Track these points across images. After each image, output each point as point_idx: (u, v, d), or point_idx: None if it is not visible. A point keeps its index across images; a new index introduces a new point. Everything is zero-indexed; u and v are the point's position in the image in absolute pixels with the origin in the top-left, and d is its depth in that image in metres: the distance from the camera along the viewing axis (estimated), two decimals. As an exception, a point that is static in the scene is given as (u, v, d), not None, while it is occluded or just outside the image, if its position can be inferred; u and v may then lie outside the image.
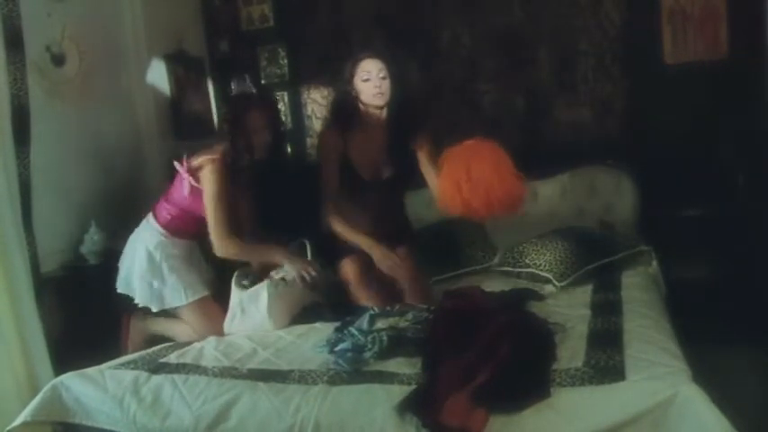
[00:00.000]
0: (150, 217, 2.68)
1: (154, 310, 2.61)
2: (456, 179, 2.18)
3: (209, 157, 2.51)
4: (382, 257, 2.51)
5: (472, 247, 3.05)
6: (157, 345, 2.44)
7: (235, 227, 2.52)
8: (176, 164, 2.61)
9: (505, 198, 2.19)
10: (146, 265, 2.59)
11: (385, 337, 2.00)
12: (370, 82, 2.50)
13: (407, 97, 2.60)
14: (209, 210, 2.47)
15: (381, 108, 2.56)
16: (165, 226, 2.63)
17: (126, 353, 2.60)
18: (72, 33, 3.12)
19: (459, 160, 2.22)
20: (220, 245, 2.47)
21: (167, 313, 2.65)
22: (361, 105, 2.57)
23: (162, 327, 2.71)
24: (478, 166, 2.17)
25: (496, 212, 2.24)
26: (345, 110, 2.59)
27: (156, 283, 2.59)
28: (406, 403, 1.68)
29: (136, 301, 2.64)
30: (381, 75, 2.50)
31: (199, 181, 2.52)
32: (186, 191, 2.55)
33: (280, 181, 2.74)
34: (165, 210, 2.64)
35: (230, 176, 2.50)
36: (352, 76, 2.54)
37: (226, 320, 2.49)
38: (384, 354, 1.97)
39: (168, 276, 2.59)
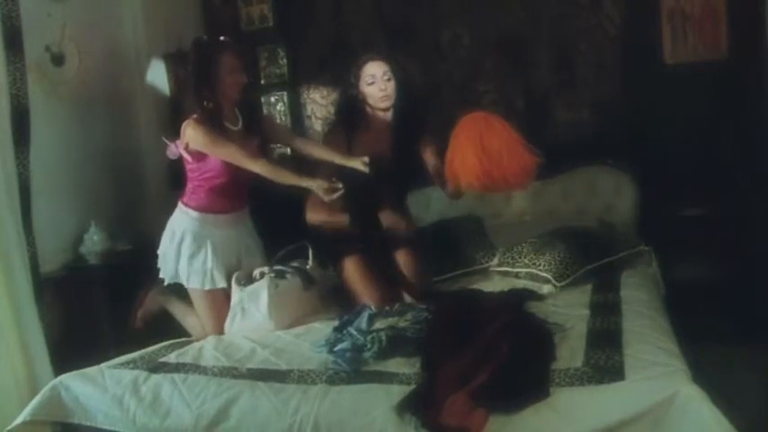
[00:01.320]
0: (180, 204, 2.62)
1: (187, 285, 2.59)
2: (475, 149, 2.16)
3: (185, 122, 2.48)
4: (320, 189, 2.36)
5: (471, 247, 3.05)
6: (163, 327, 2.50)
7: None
8: (171, 149, 2.59)
9: (519, 170, 2.18)
10: (177, 245, 2.56)
11: (384, 337, 2.00)
12: (375, 85, 2.50)
13: (412, 97, 2.58)
14: (224, 156, 2.43)
15: (388, 109, 2.55)
16: (196, 207, 2.57)
17: (133, 323, 2.66)
18: (72, 33, 3.12)
19: (471, 133, 2.19)
20: (255, 168, 2.41)
21: (187, 301, 2.65)
22: (368, 108, 2.56)
23: (177, 310, 2.70)
24: (490, 138, 2.16)
25: (511, 185, 2.23)
26: (352, 112, 2.58)
27: (182, 262, 2.55)
28: (405, 403, 1.68)
29: (165, 280, 2.61)
30: (386, 77, 2.50)
31: (189, 147, 2.49)
32: (191, 159, 2.52)
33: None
34: (191, 191, 2.58)
35: (215, 127, 2.45)
36: (357, 79, 2.53)
37: (226, 322, 2.49)
38: (383, 354, 1.97)
39: (194, 258, 2.55)
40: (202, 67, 2.46)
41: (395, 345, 2.00)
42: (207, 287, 2.55)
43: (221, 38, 2.61)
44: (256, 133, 2.63)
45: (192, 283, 2.56)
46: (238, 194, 2.63)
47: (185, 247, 2.55)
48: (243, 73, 2.52)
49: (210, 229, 2.57)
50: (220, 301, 2.56)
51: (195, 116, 2.47)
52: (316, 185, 2.35)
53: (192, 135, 2.44)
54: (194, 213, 2.57)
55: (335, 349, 2.02)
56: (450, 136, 2.25)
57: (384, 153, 2.60)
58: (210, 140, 2.42)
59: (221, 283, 2.56)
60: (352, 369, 1.90)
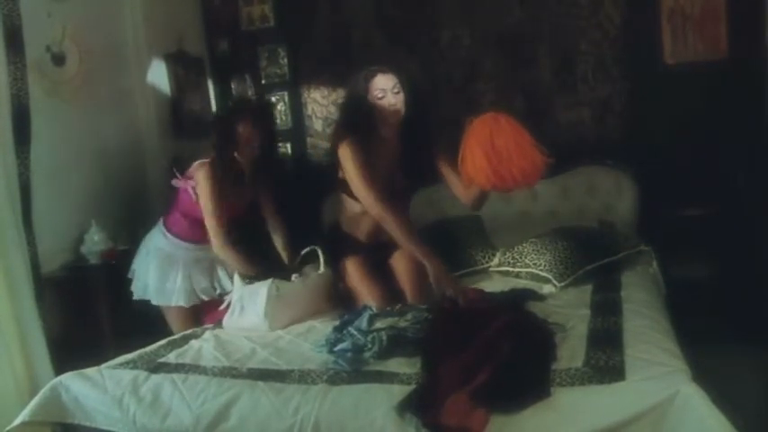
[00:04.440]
0: (161, 226, 2.86)
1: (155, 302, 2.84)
2: (484, 149, 2.17)
3: (199, 162, 2.68)
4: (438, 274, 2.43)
5: (472, 247, 3.05)
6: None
7: (237, 227, 2.72)
8: (177, 179, 2.78)
9: (528, 169, 2.18)
10: (149, 263, 2.83)
11: (384, 337, 2.00)
12: (385, 99, 2.46)
13: (421, 108, 2.53)
14: (205, 213, 2.65)
15: (398, 121, 2.51)
16: (177, 233, 2.82)
17: None
18: (72, 33, 3.12)
19: (481, 133, 2.20)
20: (216, 245, 2.65)
21: None
22: (378, 120, 2.51)
23: None
24: (500, 137, 2.17)
25: (520, 183, 2.22)
26: (362, 125, 2.52)
27: (167, 283, 2.80)
28: (405, 403, 1.68)
29: (134, 295, 2.86)
30: (395, 90, 2.46)
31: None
32: (194, 198, 2.71)
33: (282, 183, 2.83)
34: (177, 219, 2.81)
35: (223, 179, 2.66)
36: (365, 92, 2.48)
37: (225, 316, 2.51)
38: (384, 354, 1.97)
39: (172, 277, 2.80)
40: (224, 133, 2.68)
41: (395, 345, 2.00)
42: (172, 304, 2.80)
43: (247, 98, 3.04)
44: (252, 193, 2.82)
45: (160, 301, 2.81)
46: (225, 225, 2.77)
47: (155, 267, 2.81)
48: (258, 141, 2.70)
49: (184, 252, 2.82)
50: (186, 313, 2.82)
51: (208, 161, 2.67)
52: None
53: (200, 180, 2.65)
54: (173, 238, 2.82)
55: (336, 349, 2.02)
56: (462, 140, 2.24)
57: (393, 162, 2.59)
58: (208, 192, 2.63)
59: (184, 302, 2.81)
60: (353, 369, 1.90)
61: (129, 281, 2.91)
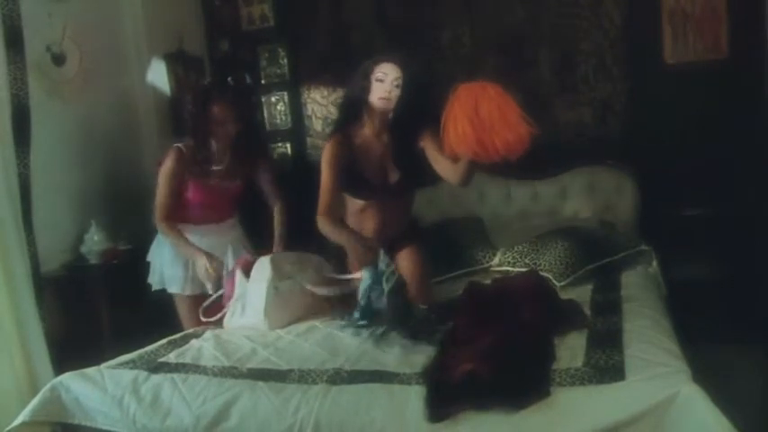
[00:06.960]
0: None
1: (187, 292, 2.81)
2: (468, 116, 2.10)
3: (171, 149, 2.70)
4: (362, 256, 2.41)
5: (472, 247, 3.05)
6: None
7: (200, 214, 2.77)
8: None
9: (513, 139, 2.11)
10: (161, 252, 2.82)
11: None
12: (382, 84, 2.41)
13: (419, 108, 2.46)
14: (158, 189, 2.69)
15: (384, 113, 2.47)
16: (178, 218, 2.76)
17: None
18: (72, 33, 3.13)
19: (466, 99, 2.14)
20: (157, 223, 2.70)
21: None
22: (367, 104, 2.47)
23: None
24: (485, 105, 2.11)
25: (503, 154, 2.14)
26: (353, 111, 2.51)
27: (179, 271, 2.77)
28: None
29: (152, 286, 2.85)
30: (396, 83, 2.41)
31: None
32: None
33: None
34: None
35: (191, 161, 2.69)
36: (368, 74, 2.44)
37: (226, 316, 2.51)
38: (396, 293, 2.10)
39: (175, 265, 2.78)
40: (195, 116, 2.70)
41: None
42: (187, 292, 2.75)
43: (227, 81, 3.00)
44: (238, 177, 2.81)
45: (172, 288, 2.78)
46: (220, 208, 2.81)
47: (167, 254, 2.77)
48: (233, 123, 2.70)
49: (191, 237, 2.73)
50: (198, 306, 2.67)
51: (179, 146, 2.70)
52: (200, 263, 2.60)
53: (166, 160, 2.69)
54: (177, 224, 2.75)
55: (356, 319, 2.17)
56: (446, 107, 2.19)
57: (385, 157, 2.58)
58: (166, 175, 2.67)
59: (198, 290, 2.73)
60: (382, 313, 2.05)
61: (131, 280, 2.91)
